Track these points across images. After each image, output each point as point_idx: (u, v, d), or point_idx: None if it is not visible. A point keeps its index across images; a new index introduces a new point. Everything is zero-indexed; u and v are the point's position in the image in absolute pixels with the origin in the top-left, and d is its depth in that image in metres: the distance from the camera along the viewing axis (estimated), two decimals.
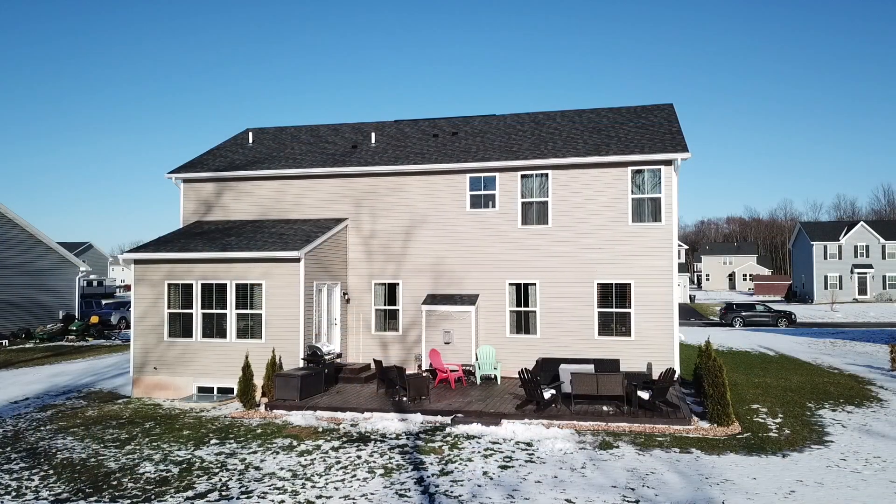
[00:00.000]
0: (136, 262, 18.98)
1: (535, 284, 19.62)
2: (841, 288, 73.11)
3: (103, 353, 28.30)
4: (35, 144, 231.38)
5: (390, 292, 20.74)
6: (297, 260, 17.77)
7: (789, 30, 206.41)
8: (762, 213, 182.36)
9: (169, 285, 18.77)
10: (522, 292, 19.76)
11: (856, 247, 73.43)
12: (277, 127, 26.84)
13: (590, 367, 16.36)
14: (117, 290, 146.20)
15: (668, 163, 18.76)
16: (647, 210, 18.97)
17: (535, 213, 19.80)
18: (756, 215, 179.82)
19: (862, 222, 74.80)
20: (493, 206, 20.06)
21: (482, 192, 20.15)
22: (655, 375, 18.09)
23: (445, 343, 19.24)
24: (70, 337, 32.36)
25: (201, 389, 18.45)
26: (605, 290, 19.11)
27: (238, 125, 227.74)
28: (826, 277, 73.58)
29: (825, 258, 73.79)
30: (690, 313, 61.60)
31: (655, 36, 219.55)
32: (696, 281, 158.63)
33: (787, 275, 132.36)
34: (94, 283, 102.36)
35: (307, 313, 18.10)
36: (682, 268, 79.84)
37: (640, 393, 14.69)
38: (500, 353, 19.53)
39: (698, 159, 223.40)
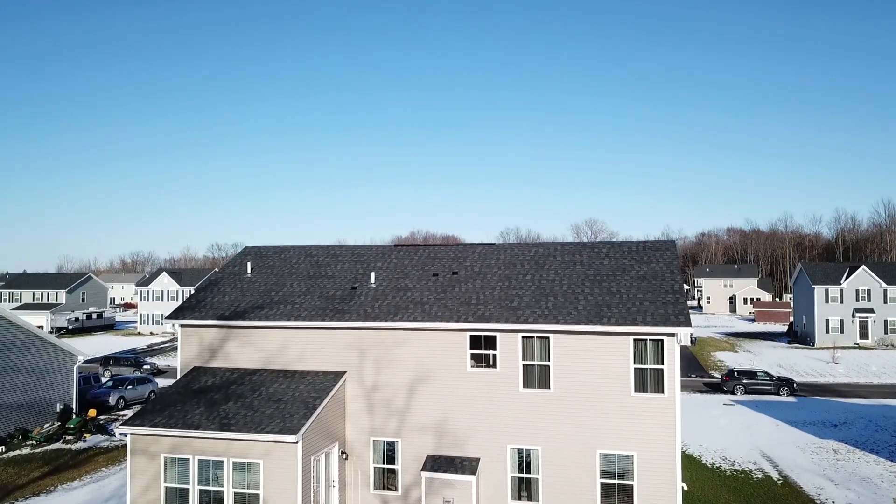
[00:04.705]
0: (133, 434, 18.79)
1: (537, 450, 19.39)
2: (842, 332, 72.86)
3: (101, 467, 28.01)
4: (32, 146, 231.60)
5: (389, 449, 20.50)
6: (295, 443, 17.58)
7: (792, 38, 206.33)
8: (762, 225, 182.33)
9: (166, 459, 18.57)
10: (524, 457, 19.54)
11: (857, 290, 73.22)
12: (275, 247, 26.68)
13: None
14: (118, 310, 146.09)
15: (670, 334, 18.56)
16: (650, 381, 18.76)
17: (536, 376, 19.58)
18: (756, 227, 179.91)
19: (863, 266, 74.57)
20: (494, 365, 19.84)
21: (482, 352, 19.94)
22: None
23: None
24: (68, 438, 32.10)
25: None
26: (607, 459, 18.89)
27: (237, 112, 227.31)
28: (827, 321, 73.31)
29: (826, 301, 73.53)
30: (691, 365, 60.42)
31: (656, 33, 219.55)
32: (694, 296, 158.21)
33: (787, 290, 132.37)
34: (94, 317, 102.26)
35: (304, 492, 17.90)
36: None
37: None
38: None
39: (699, 166, 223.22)
